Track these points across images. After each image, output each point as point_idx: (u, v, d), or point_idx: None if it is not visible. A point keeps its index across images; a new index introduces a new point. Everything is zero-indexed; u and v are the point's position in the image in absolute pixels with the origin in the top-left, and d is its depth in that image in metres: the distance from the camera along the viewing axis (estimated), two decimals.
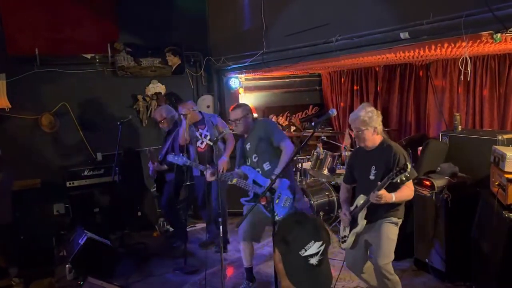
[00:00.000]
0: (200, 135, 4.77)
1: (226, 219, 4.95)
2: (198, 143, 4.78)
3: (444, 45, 3.43)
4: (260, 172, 3.73)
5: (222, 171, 4.08)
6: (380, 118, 3.19)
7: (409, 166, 2.89)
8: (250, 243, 3.87)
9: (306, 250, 1.50)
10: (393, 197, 3.03)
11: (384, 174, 3.06)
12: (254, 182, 3.73)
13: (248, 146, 3.79)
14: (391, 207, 3.17)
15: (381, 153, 3.18)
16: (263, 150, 3.71)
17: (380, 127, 3.18)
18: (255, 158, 3.74)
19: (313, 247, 1.50)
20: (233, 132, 4.51)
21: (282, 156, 3.64)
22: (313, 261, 1.50)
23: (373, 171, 3.19)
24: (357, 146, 3.41)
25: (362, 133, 3.14)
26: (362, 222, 3.20)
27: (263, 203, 3.63)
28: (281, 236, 1.57)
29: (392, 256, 3.19)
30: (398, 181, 2.94)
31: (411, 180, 3.15)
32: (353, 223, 3.28)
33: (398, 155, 3.09)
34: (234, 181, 3.74)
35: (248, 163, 3.81)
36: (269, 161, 3.70)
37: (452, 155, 4.21)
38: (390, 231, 3.19)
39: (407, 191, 3.14)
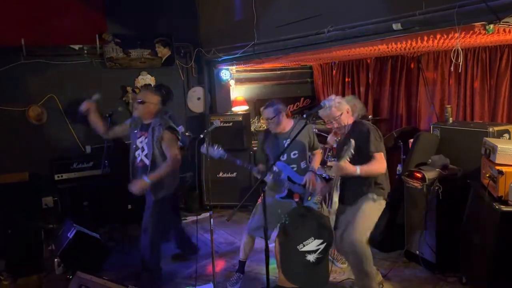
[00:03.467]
0: (140, 143, 3.91)
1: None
2: (136, 153, 3.90)
3: (437, 36, 3.41)
4: (296, 169, 3.78)
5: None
6: (350, 103, 3.36)
7: (353, 142, 2.93)
8: (253, 240, 3.87)
9: (304, 246, 1.47)
10: (357, 169, 3.06)
11: (355, 150, 3.01)
12: (289, 179, 3.77)
13: (287, 142, 3.67)
14: (365, 185, 3.26)
15: (351, 131, 3.31)
16: (303, 150, 3.82)
17: (350, 108, 3.34)
18: (294, 155, 3.79)
19: (312, 244, 1.47)
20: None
21: (317, 158, 3.91)
22: (311, 258, 1.47)
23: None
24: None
25: (340, 119, 3.28)
26: (335, 199, 3.22)
27: (297, 199, 3.74)
28: (283, 227, 1.55)
29: (367, 234, 3.21)
30: (348, 159, 2.95)
31: (381, 153, 3.19)
32: (330, 204, 3.32)
33: (367, 128, 3.21)
34: (270, 177, 3.72)
35: (282, 159, 3.77)
36: (305, 160, 3.84)
37: (443, 147, 4.22)
38: (367, 205, 3.24)
39: (375, 165, 3.15)
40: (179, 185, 4.11)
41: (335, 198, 3.20)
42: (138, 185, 3.70)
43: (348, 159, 2.96)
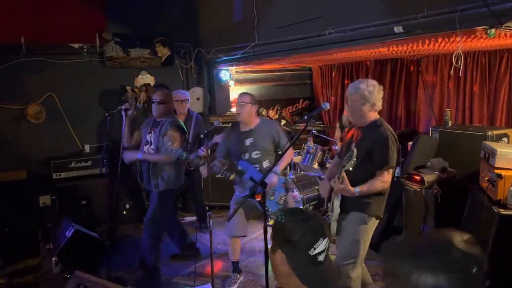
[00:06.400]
0: (149, 138, 4.02)
1: None
2: (145, 148, 4.01)
3: (438, 39, 3.42)
4: (259, 168, 3.76)
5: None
6: (381, 95, 2.97)
7: (355, 151, 2.65)
8: (238, 239, 3.91)
9: (315, 249, 1.41)
10: (356, 192, 2.83)
11: (363, 156, 2.84)
12: (251, 178, 3.72)
13: (249, 141, 3.73)
14: (361, 199, 2.93)
15: (368, 132, 2.96)
16: (267, 149, 3.78)
17: (379, 103, 2.96)
18: (256, 154, 3.76)
19: (322, 244, 1.43)
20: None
21: (285, 157, 3.74)
22: (321, 258, 1.43)
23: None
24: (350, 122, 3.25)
25: (360, 108, 2.93)
26: (336, 211, 3.00)
27: (259, 199, 3.65)
28: (284, 236, 1.45)
29: (357, 257, 2.97)
30: (350, 168, 2.73)
31: (390, 170, 2.92)
32: (332, 209, 3.12)
33: (386, 137, 2.87)
34: (232, 177, 3.71)
35: (244, 158, 3.76)
36: (268, 160, 3.79)
37: (442, 150, 4.23)
38: (357, 231, 2.98)
39: (375, 184, 2.88)
40: (181, 185, 4.13)
41: (336, 205, 3.01)
42: (130, 157, 3.94)
43: (351, 168, 2.73)
